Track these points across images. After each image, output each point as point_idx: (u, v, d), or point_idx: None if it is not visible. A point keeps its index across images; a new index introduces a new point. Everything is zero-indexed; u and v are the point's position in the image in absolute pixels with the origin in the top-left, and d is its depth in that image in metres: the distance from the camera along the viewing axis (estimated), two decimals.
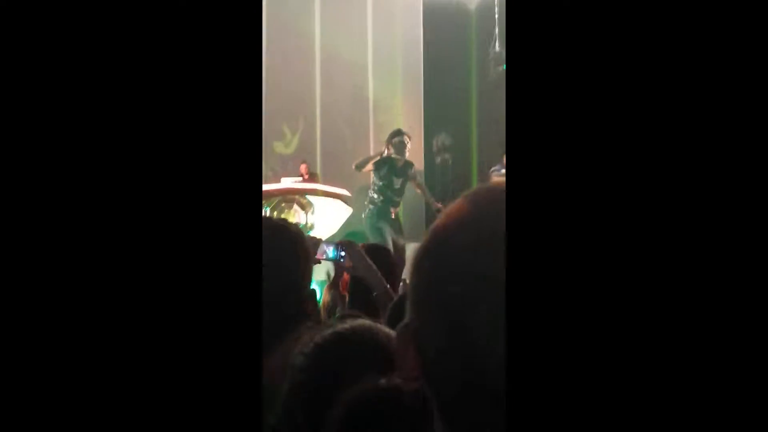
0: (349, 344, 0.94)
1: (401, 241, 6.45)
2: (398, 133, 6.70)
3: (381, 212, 6.65)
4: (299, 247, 1.57)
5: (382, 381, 0.80)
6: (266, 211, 6.02)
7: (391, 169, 6.62)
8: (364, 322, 0.99)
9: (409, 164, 6.77)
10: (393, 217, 6.71)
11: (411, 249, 5.73)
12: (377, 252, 2.55)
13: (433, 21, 9.26)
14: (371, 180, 6.74)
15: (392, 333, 0.84)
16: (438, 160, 9.02)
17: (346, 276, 2.48)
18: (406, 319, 0.61)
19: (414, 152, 7.69)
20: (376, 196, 6.66)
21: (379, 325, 0.98)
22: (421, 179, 7.67)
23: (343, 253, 2.34)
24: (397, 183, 6.67)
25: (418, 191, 7.09)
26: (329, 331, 0.98)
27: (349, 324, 0.98)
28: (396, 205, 6.75)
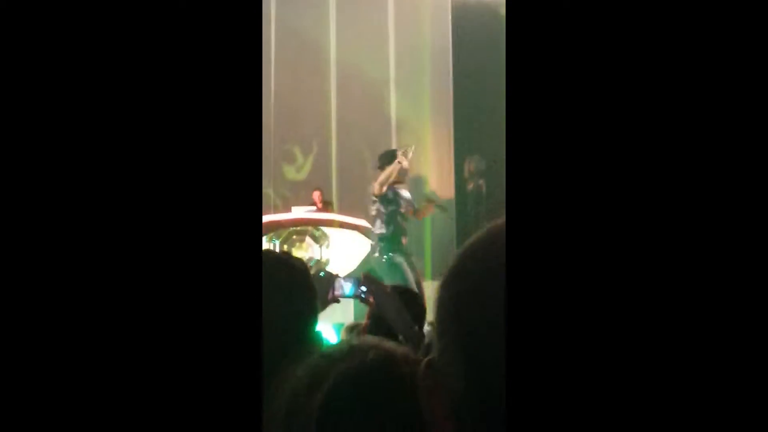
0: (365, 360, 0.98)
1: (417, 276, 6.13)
2: (403, 146, 6.34)
3: (394, 245, 6.12)
4: (302, 283, 1.60)
5: (371, 353, 0.85)
6: (275, 244, 6.01)
7: (397, 191, 6.18)
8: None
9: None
10: (404, 243, 6.30)
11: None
12: (403, 295, 2.46)
13: (463, 27, 9.22)
14: (374, 212, 6.18)
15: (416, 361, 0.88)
16: (470, 186, 8.95)
17: (366, 319, 2.46)
18: (431, 355, 0.63)
19: (444, 178, 7.60)
20: (385, 229, 6.13)
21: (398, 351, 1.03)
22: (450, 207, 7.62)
23: (363, 289, 2.31)
24: (404, 206, 6.26)
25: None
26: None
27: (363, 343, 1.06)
28: (405, 233, 6.29)
